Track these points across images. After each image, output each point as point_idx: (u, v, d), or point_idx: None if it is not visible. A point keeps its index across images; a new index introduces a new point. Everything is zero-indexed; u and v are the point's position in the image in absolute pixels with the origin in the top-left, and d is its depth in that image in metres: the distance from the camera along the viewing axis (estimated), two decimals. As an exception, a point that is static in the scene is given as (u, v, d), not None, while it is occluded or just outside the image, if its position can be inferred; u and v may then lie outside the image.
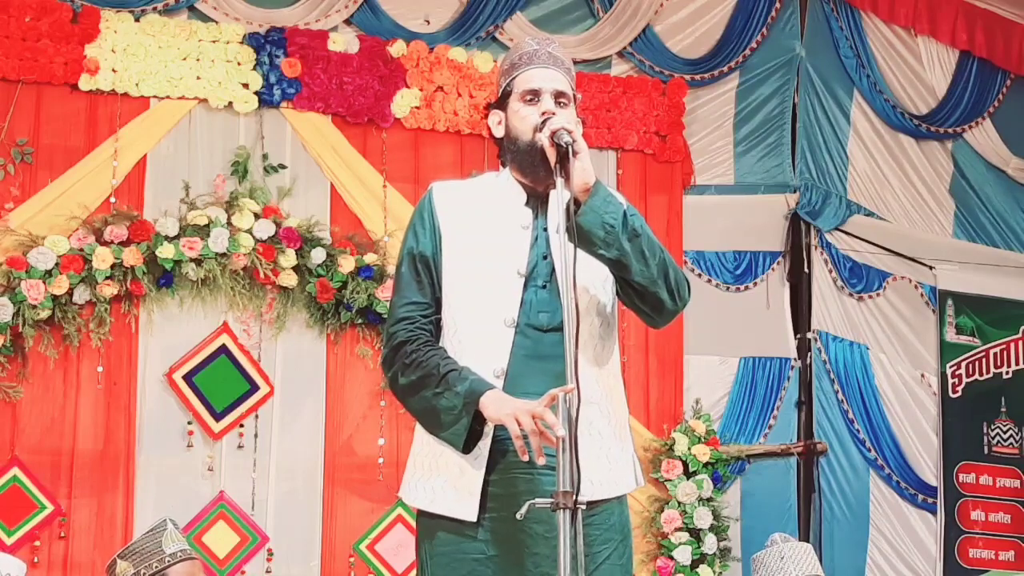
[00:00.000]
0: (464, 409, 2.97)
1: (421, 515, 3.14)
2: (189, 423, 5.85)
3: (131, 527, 5.64)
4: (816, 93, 7.18)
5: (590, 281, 3.08)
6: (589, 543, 2.98)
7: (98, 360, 5.73)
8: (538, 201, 3.15)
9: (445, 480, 3.06)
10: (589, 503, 2.91)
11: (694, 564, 6.35)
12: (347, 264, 5.99)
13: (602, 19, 6.80)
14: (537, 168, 3.09)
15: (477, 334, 3.06)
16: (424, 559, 3.12)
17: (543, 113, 3.09)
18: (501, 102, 3.20)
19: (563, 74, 3.18)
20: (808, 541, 6.54)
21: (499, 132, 3.20)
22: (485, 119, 3.28)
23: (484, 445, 3.02)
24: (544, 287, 3.08)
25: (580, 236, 2.94)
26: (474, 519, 3.01)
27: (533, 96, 3.14)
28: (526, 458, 2.91)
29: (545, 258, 3.10)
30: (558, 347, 2.94)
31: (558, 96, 3.14)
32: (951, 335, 7.43)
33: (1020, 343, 7.58)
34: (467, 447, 3.01)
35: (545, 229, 3.12)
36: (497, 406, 2.94)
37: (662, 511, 6.39)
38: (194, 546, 5.62)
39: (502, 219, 3.14)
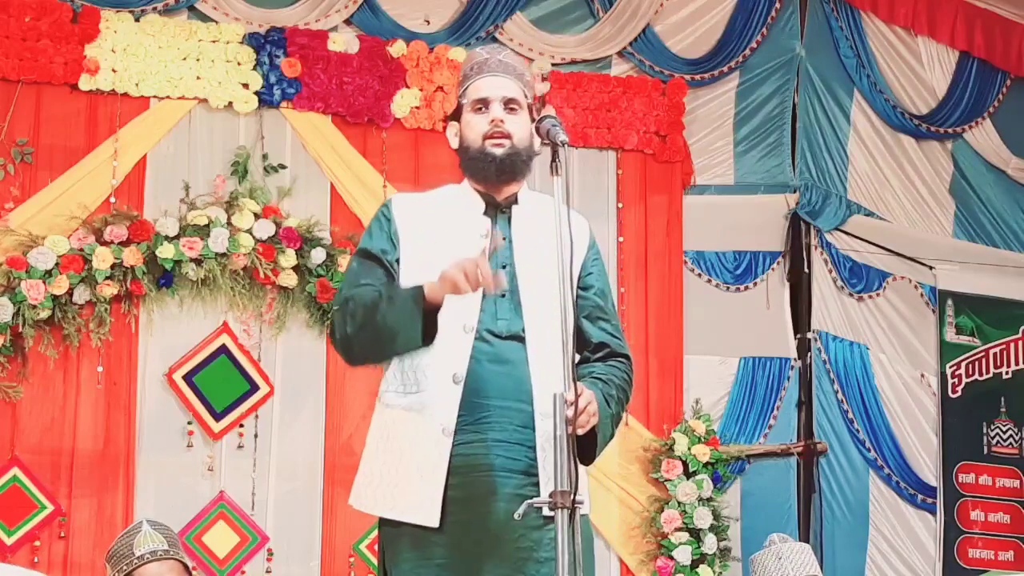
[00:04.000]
0: (414, 303, 2.97)
1: (383, 523, 3.13)
2: (189, 423, 5.85)
3: (131, 527, 5.64)
4: (816, 93, 7.18)
5: (548, 290, 3.03)
6: (544, 547, 2.99)
7: (98, 360, 5.73)
8: (496, 210, 3.19)
9: (405, 486, 3.05)
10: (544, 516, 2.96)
11: (694, 564, 6.35)
12: (347, 264, 5.99)
13: (602, 19, 6.80)
14: (488, 176, 3.15)
15: (437, 339, 3.05)
16: (387, 567, 3.11)
17: (491, 121, 3.14)
18: (456, 114, 3.24)
19: (513, 80, 3.21)
20: (808, 541, 6.54)
21: (455, 143, 3.24)
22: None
23: (444, 450, 3.02)
24: (503, 296, 3.09)
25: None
26: (436, 524, 3.01)
27: (482, 105, 3.18)
28: (493, 289, 2.92)
29: (504, 268, 3.11)
30: (517, 353, 3.00)
31: (508, 103, 3.17)
32: (951, 335, 7.43)
33: (1020, 343, 7.58)
34: (426, 339, 3.00)
35: (504, 238, 3.13)
36: (439, 283, 2.95)
37: (662, 511, 6.39)
38: (193, 545, 5.64)
39: (460, 228, 3.16)
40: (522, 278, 3.10)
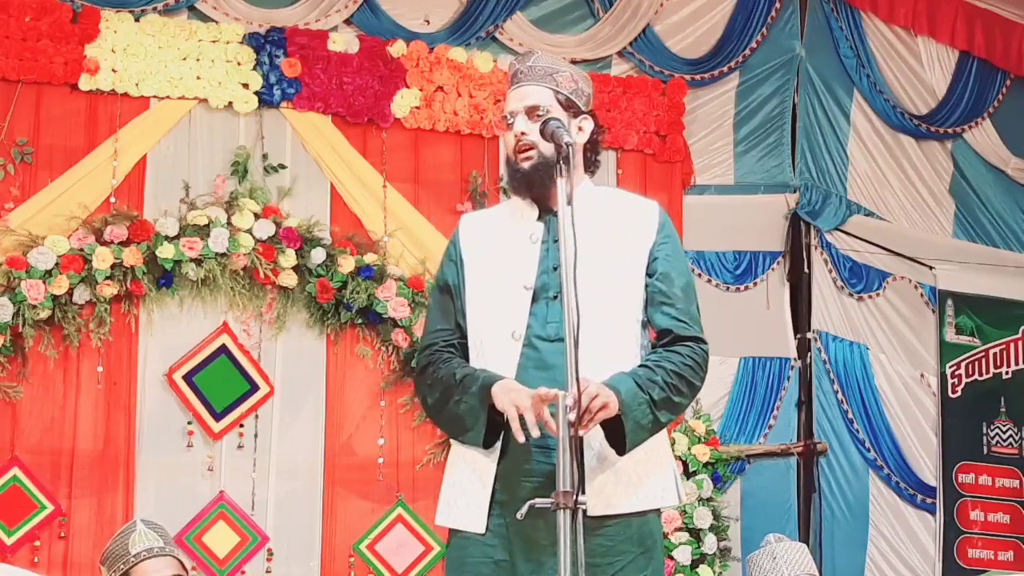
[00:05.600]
0: (481, 406, 3.06)
1: (450, 532, 3.23)
2: (189, 423, 5.84)
3: (131, 527, 5.64)
4: (816, 93, 7.18)
5: (602, 287, 3.10)
6: (601, 552, 3.01)
7: (98, 360, 5.73)
8: (550, 215, 3.21)
9: (458, 494, 3.15)
10: (599, 516, 2.97)
11: (694, 564, 6.34)
12: (347, 264, 5.99)
13: (602, 19, 6.80)
14: (521, 190, 3.21)
15: (489, 348, 3.14)
16: (447, 570, 3.21)
17: (515, 136, 3.18)
18: None
19: (539, 84, 3.23)
20: (808, 541, 6.55)
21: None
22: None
23: (493, 456, 3.10)
24: (555, 298, 3.12)
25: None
26: (483, 531, 3.09)
27: (511, 120, 3.22)
28: (521, 439, 2.96)
29: (555, 270, 3.13)
30: (561, 356, 2.96)
31: (530, 111, 3.19)
32: (951, 335, 7.43)
33: (1020, 343, 7.58)
34: (488, 441, 3.08)
35: (556, 241, 3.15)
36: (502, 397, 3.02)
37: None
38: (193, 545, 5.64)
39: (515, 236, 3.22)
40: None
